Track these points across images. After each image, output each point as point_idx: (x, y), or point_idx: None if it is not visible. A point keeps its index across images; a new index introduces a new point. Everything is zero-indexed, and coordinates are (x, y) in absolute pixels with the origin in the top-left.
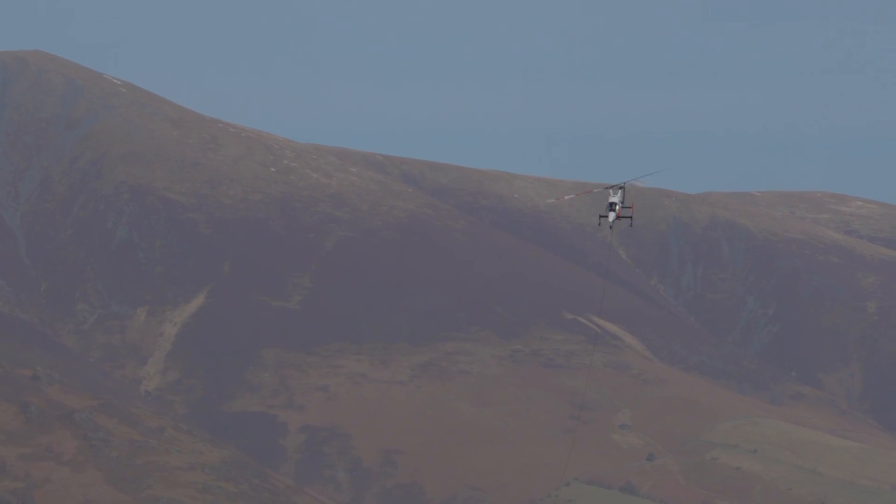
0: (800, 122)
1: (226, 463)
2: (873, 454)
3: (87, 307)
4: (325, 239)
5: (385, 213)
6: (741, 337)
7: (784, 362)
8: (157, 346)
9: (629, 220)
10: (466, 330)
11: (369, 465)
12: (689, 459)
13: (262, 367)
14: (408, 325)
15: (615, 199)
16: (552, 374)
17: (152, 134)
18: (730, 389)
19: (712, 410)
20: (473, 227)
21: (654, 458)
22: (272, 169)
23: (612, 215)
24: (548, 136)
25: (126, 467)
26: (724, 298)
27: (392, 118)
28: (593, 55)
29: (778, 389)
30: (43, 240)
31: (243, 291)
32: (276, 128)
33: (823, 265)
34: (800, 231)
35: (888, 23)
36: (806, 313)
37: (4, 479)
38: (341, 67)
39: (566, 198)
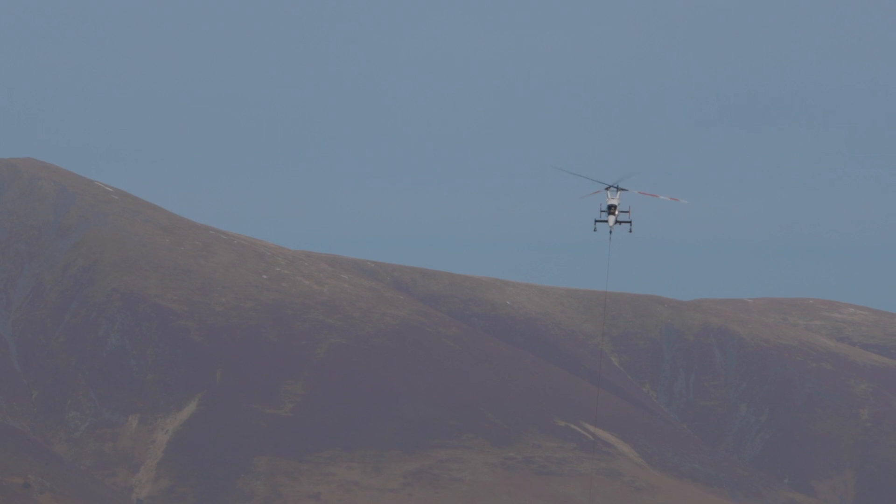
0: (791, 229)
1: None
2: None
3: (78, 415)
4: (317, 346)
5: (377, 321)
6: (734, 444)
7: (777, 469)
8: (148, 454)
9: (628, 224)
10: (459, 437)
11: None
12: None
13: (254, 475)
14: (400, 432)
15: (614, 201)
16: (545, 481)
17: (144, 241)
18: (723, 497)
19: None
20: (466, 334)
21: None
22: (264, 276)
23: (611, 219)
24: (540, 242)
25: None
26: (716, 405)
27: (384, 225)
28: (583, 160)
29: (771, 497)
30: (34, 347)
31: (235, 399)
32: (268, 235)
33: (816, 372)
34: (792, 338)
35: (877, 136)
36: (799, 420)
37: None
38: (333, 175)
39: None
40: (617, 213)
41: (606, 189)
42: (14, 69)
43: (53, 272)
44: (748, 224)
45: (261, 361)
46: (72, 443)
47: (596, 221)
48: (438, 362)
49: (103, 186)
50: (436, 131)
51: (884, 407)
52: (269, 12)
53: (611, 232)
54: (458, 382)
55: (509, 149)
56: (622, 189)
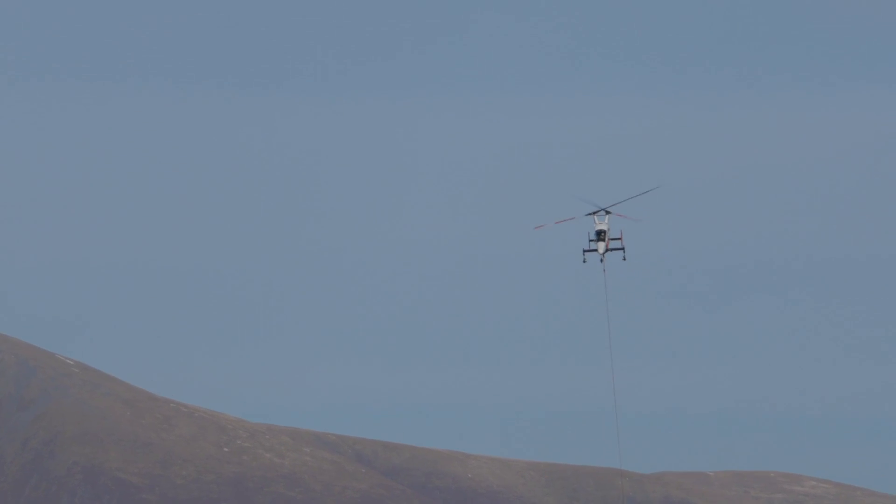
0: (752, 401)
1: None
2: None
3: None
4: None
5: (338, 494)
6: None
7: None
8: None
9: (621, 251)
10: None
11: None
12: None
13: None
14: None
15: (603, 226)
16: None
17: (105, 414)
18: None
19: None
20: None
21: None
22: (225, 449)
23: (601, 245)
24: (502, 414)
25: None
26: None
27: (344, 397)
28: (545, 331)
29: None
30: None
31: None
32: (229, 408)
33: None
34: None
35: (835, 308)
36: None
37: None
38: (293, 347)
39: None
40: (607, 238)
41: (593, 214)
42: None
43: (14, 445)
44: (709, 395)
45: None
46: None
47: (584, 251)
48: None
49: (64, 359)
50: (395, 302)
51: None
52: (217, 184)
53: (602, 260)
54: None
55: (470, 319)
56: (610, 212)
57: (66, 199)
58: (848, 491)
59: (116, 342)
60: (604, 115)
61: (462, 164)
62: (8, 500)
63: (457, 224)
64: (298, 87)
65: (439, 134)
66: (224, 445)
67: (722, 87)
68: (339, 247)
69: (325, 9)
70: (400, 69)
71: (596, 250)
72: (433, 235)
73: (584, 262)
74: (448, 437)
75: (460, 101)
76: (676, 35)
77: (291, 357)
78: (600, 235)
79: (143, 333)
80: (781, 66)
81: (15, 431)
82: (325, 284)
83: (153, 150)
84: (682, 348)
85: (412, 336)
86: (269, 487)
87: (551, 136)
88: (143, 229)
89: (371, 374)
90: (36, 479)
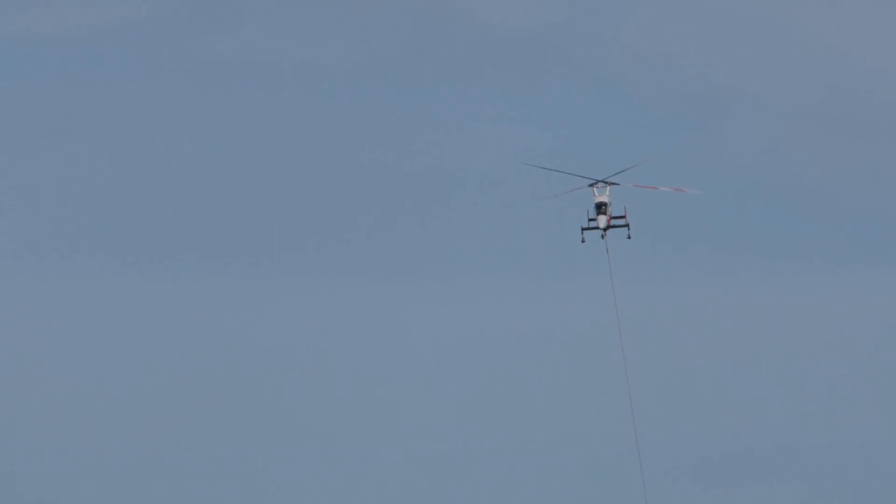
0: None
1: None
2: None
3: None
4: None
5: None
6: None
7: None
8: None
9: (625, 228)
10: None
11: None
12: None
13: None
14: None
15: (604, 198)
16: None
17: None
18: None
19: None
20: None
21: None
22: None
23: (602, 219)
24: None
25: None
26: None
27: None
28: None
29: None
30: None
31: None
32: None
33: None
34: None
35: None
36: None
37: None
38: None
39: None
40: (608, 212)
41: (593, 186)
42: None
43: None
44: None
45: None
46: None
47: (583, 229)
48: None
49: None
50: (388, 485)
51: None
52: (203, 367)
53: (603, 237)
54: None
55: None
56: (612, 183)
57: (57, 380)
58: None
59: None
60: (600, 301)
61: (457, 348)
62: None
63: (453, 408)
64: (284, 268)
65: (434, 316)
66: None
67: (725, 270)
68: (332, 430)
69: (314, 188)
70: (391, 248)
71: (596, 227)
72: (429, 418)
73: (582, 241)
74: None
75: (453, 282)
76: (674, 219)
77: None
78: (601, 209)
79: None
80: (780, 249)
81: None
82: (319, 465)
83: (136, 334)
84: None
85: None
86: None
87: (553, 320)
88: (134, 410)
89: None
90: None
